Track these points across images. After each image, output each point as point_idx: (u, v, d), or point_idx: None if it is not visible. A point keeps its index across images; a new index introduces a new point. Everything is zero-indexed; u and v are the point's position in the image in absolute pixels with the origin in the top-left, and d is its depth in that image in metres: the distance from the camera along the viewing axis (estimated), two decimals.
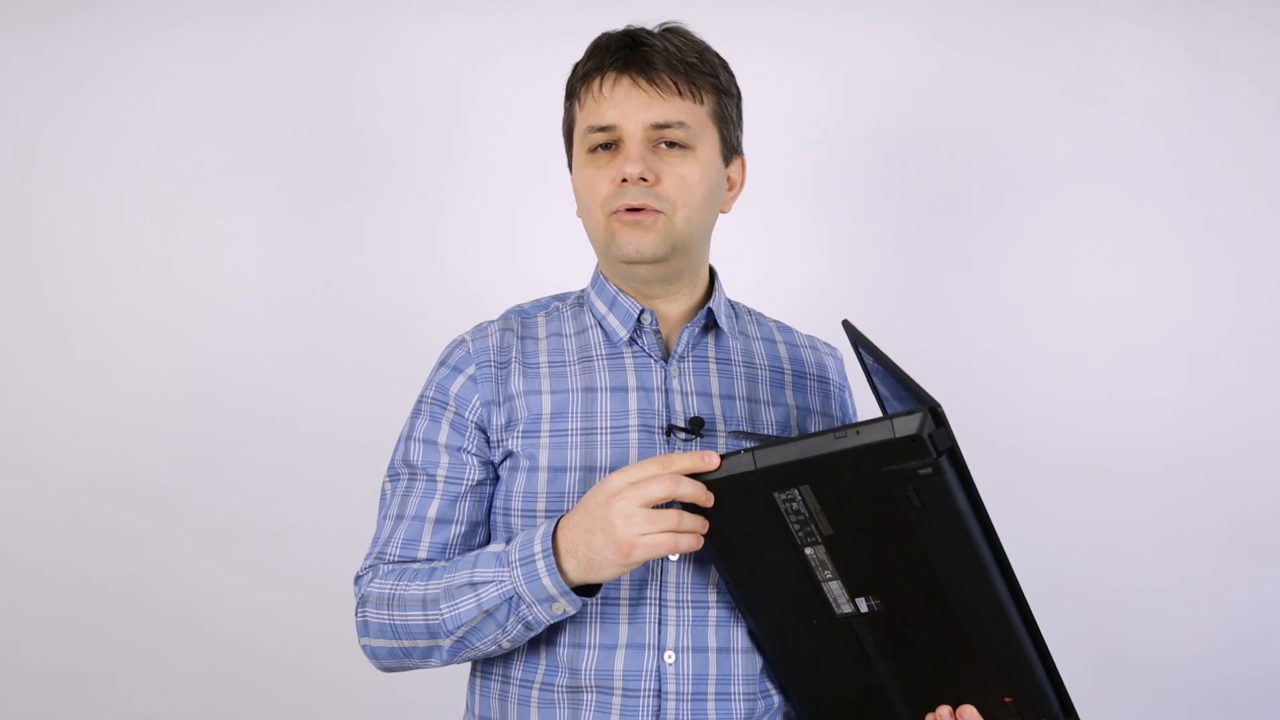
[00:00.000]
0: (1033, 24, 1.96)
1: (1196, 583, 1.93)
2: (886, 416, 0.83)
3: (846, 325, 1.07)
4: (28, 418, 1.96)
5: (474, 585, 0.96)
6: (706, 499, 0.90)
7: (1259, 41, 1.95)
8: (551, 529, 0.95)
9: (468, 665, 1.13)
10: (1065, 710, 0.95)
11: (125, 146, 1.97)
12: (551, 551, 0.93)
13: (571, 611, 0.95)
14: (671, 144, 1.05)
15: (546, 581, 0.93)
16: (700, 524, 0.91)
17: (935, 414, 0.82)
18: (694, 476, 0.90)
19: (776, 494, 0.89)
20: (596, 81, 1.06)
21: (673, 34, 1.08)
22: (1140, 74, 1.95)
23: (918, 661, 0.96)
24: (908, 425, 0.81)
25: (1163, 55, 1.96)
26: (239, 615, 1.95)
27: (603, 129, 1.05)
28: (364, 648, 1.07)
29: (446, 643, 0.99)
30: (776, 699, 1.05)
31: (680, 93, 1.05)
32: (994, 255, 1.97)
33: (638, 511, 0.89)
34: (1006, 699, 0.94)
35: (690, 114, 1.06)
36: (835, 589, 0.93)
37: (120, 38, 1.97)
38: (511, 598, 0.95)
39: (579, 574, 0.93)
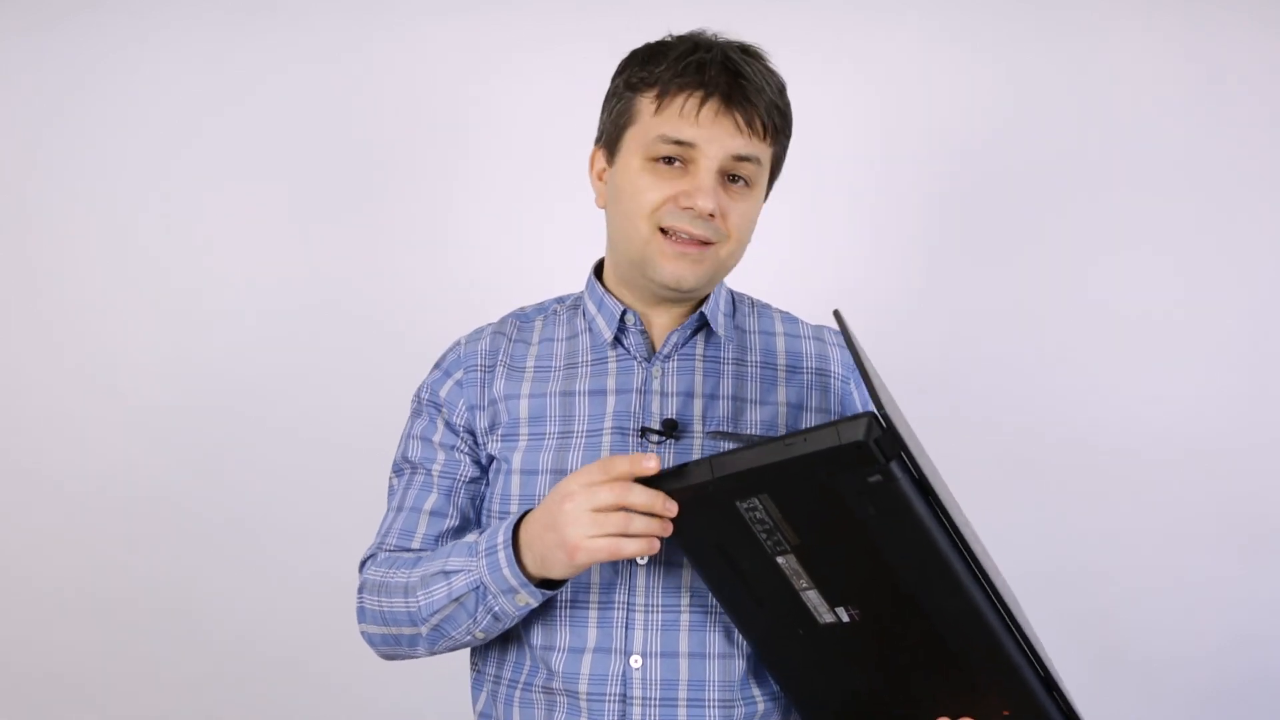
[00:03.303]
0: (1037, 24, 1.96)
1: (1198, 583, 1.93)
2: (832, 423, 0.81)
3: (837, 315, 1.05)
4: (26, 421, 1.96)
5: (446, 574, 0.98)
6: (664, 508, 0.88)
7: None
8: (515, 522, 0.96)
9: (467, 663, 1.15)
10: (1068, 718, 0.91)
11: (125, 148, 1.97)
12: (511, 544, 0.94)
13: (534, 604, 0.96)
14: (736, 178, 1.04)
15: (506, 573, 0.94)
16: (654, 527, 0.89)
17: (878, 419, 0.79)
18: (653, 481, 0.89)
19: (738, 503, 0.87)
20: (694, 99, 1.01)
21: (758, 61, 1.05)
22: (1143, 75, 1.95)
23: (909, 670, 0.93)
24: (852, 431, 0.79)
25: (1166, 57, 1.96)
26: (239, 618, 1.95)
27: (680, 143, 1.02)
28: (362, 634, 1.09)
29: (424, 630, 1.01)
30: (761, 705, 1.03)
31: (764, 134, 1.04)
32: (997, 254, 1.97)
33: (584, 514, 0.88)
34: (1005, 712, 0.90)
35: (763, 154, 1.05)
36: (814, 598, 0.91)
37: (120, 38, 1.98)
38: (478, 587, 0.96)
39: (535, 569, 0.94)
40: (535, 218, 1.96)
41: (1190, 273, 1.95)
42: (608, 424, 1.05)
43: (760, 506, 0.87)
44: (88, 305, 1.97)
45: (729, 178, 1.04)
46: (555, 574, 0.93)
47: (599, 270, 1.16)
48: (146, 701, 1.96)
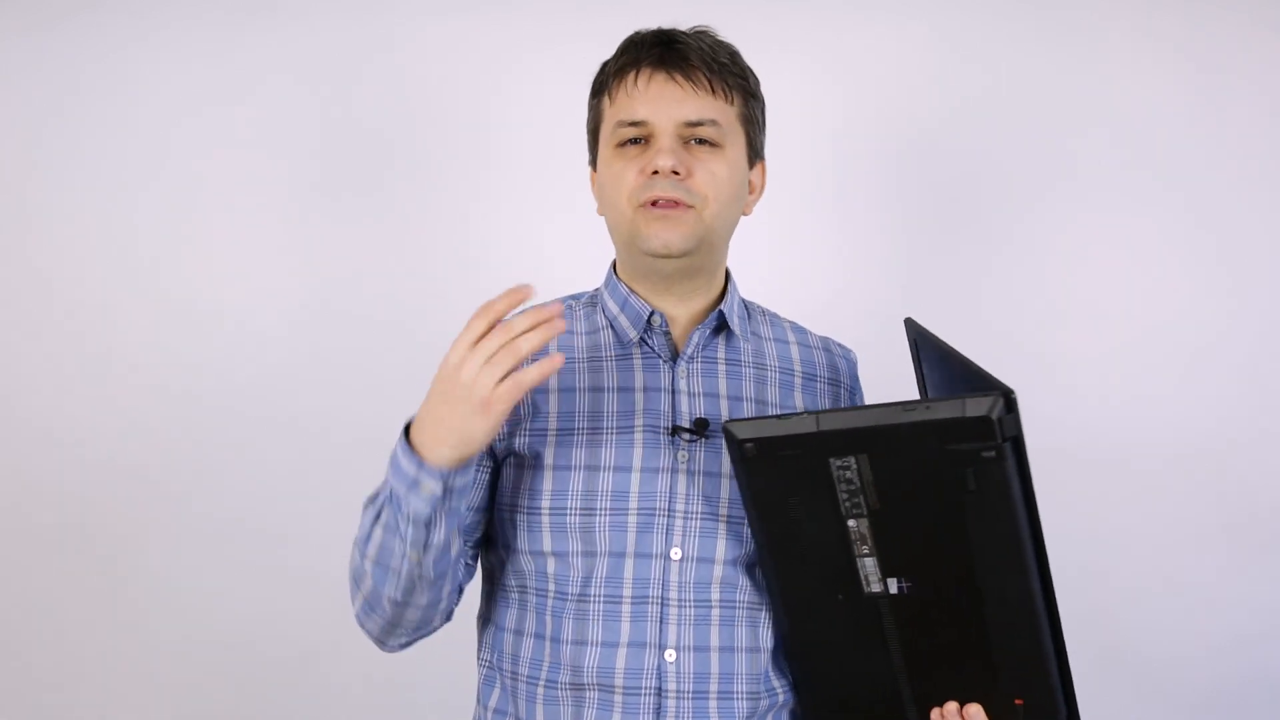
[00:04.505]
0: (1036, 23, 1.97)
1: (1197, 582, 1.93)
2: (958, 396, 0.84)
3: (908, 323, 1.07)
4: (27, 419, 1.96)
5: (370, 504, 0.98)
6: (548, 317, 0.89)
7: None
8: (405, 428, 0.94)
9: (474, 664, 1.13)
10: (1071, 714, 0.95)
11: (125, 147, 1.97)
12: (404, 439, 0.93)
13: (437, 490, 0.92)
14: (702, 141, 1.07)
15: (404, 462, 0.92)
16: (541, 336, 0.89)
17: (1008, 399, 0.83)
18: (753, 427, 0.90)
19: (833, 460, 0.89)
20: (630, 76, 1.07)
21: (704, 35, 1.10)
22: (1142, 73, 1.96)
23: (934, 653, 0.96)
24: (979, 406, 0.82)
25: (1163, 56, 1.96)
26: (240, 617, 1.95)
27: (634, 124, 1.06)
28: (357, 622, 1.07)
29: (371, 573, 0.98)
30: (781, 695, 1.06)
31: (713, 91, 1.07)
32: (994, 254, 1.97)
33: (481, 370, 0.88)
34: (1017, 701, 0.94)
35: (722, 113, 1.07)
36: (869, 565, 0.93)
37: (120, 37, 1.97)
38: (390, 497, 0.94)
39: (451, 451, 0.91)
40: (539, 218, 1.96)
41: (1189, 272, 1.96)
42: (638, 421, 1.06)
43: (854, 466, 0.89)
44: (88, 305, 1.96)
45: (694, 142, 1.07)
46: (480, 440, 0.91)
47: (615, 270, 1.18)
48: (147, 701, 1.95)
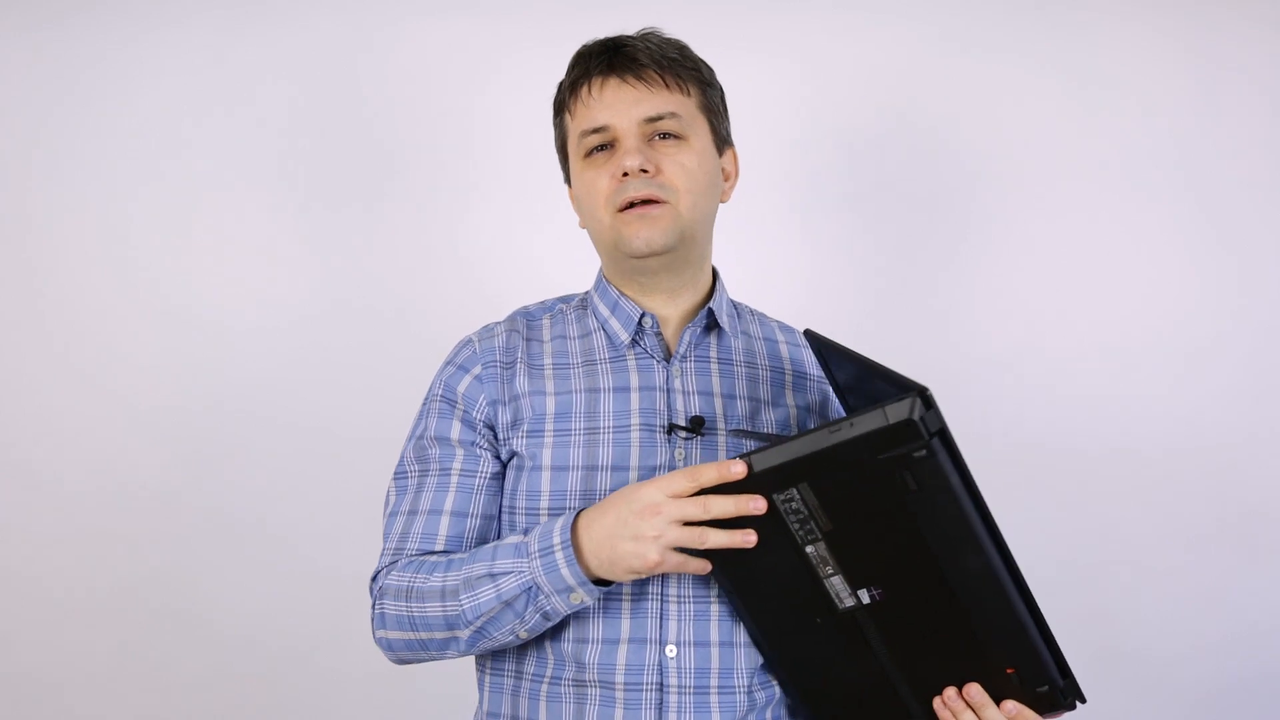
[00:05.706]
0: (1026, 21, 1.97)
1: (1195, 580, 1.94)
2: (878, 405, 0.85)
3: (808, 334, 1.08)
4: (29, 421, 1.96)
5: (493, 576, 0.98)
6: (751, 508, 0.90)
7: (1259, 41, 1.95)
8: (571, 520, 0.96)
9: (473, 660, 1.14)
10: (1063, 674, 0.97)
11: (125, 147, 1.97)
12: (571, 543, 0.95)
13: (589, 602, 0.96)
14: (666, 135, 1.08)
15: (565, 572, 0.95)
16: (735, 540, 0.91)
17: (924, 397, 0.84)
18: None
19: (775, 495, 0.90)
20: (585, 87, 1.10)
21: (650, 35, 1.12)
22: (1139, 72, 1.96)
23: (921, 647, 0.97)
24: (899, 411, 0.83)
25: (1162, 53, 1.96)
26: (243, 615, 1.95)
27: (597, 130, 1.08)
28: (379, 640, 1.07)
29: (465, 633, 1.00)
30: (777, 691, 1.06)
31: (667, 85, 1.08)
32: (986, 255, 1.98)
33: (671, 529, 0.91)
34: (1008, 670, 0.96)
35: (680, 105, 1.09)
36: (837, 584, 0.94)
37: (120, 36, 1.98)
38: (530, 588, 0.96)
39: (599, 571, 0.95)
40: (540, 215, 1.96)
41: (1190, 271, 1.96)
42: (634, 420, 1.07)
43: (797, 496, 0.90)
44: (89, 304, 1.96)
45: (658, 138, 1.08)
46: (620, 579, 0.95)
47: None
48: (149, 701, 1.95)
